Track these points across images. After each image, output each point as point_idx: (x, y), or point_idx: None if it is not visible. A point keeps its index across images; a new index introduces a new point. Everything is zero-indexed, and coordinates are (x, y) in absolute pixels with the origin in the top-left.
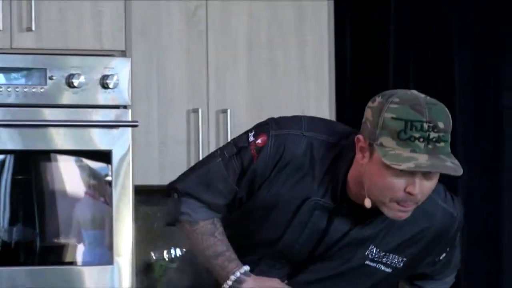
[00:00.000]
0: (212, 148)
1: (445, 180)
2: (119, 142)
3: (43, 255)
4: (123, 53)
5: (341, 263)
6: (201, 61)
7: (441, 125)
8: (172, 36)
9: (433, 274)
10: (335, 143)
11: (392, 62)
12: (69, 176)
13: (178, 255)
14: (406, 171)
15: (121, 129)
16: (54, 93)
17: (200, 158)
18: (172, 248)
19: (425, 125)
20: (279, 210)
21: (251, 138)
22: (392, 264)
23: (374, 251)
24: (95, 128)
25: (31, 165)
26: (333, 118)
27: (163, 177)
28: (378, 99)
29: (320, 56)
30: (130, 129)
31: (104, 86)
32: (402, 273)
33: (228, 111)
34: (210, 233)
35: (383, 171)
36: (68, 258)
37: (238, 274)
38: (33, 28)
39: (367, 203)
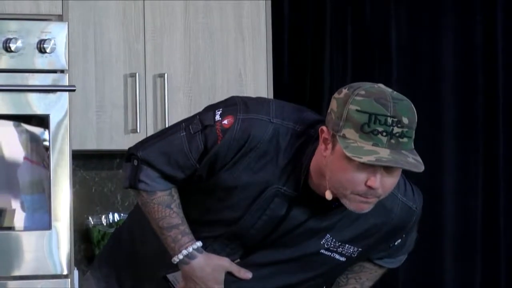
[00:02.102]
0: (150, 113)
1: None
2: (56, 107)
3: None
4: (60, 18)
5: (295, 250)
6: (138, 25)
7: (405, 120)
8: (109, 0)
9: (385, 256)
10: (301, 131)
11: (329, 24)
12: (7, 141)
13: (116, 220)
14: (367, 164)
15: (58, 93)
16: None
17: (138, 123)
18: (110, 213)
19: (389, 120)
20: (239, 194)
21: (217, 117)
22: (347, 254)
23: (330, 241)
24: (32, 92)
25: None
26: (270, 80)
27: (101, 142)
28: (344, 90)
29: (257, 18)
30: (67, 93)
31: (41, 50)
32: (355, 261)
33: (166, 75)
34: (166, 204)
35: (344, 164)
36: (6, 223)
37: (190, 249)
38: None
39: (328, 195)
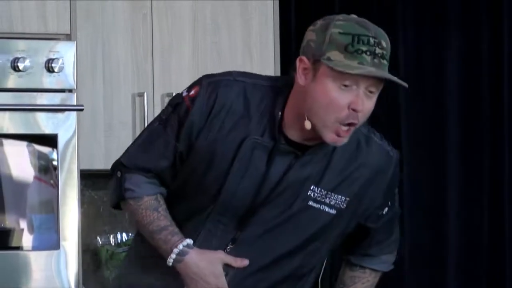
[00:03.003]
0: None
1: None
2: (64, 126)
3: None
4: (68, 37)
5: (284, 209)
6: (146, 44)
7: (384, 43)
8: (117, 19)
9: (372, 242)
10: (268, 85)
11: None
12: (15, 160)
13: (124, 239)
14: (349, 87)
15: (66, 113)
16: None
17: None
18: (118, 233)
19: (372, 40)
20: (218, 158)
21: (184, 93)
22: (336, 204)
23: (316, 191)
24: (41, 112)
25: None
26: None
27: (109, 162)
28: (320, 21)
29: (265, 37)
30: (75, 113)
31: (49, 69)
32: (346, 217)
33: (174, 94)
34: (153, 208)
35: (328, 87)
36: (14, 243)
37: (180, 246)
38: None
39: (307, 124)
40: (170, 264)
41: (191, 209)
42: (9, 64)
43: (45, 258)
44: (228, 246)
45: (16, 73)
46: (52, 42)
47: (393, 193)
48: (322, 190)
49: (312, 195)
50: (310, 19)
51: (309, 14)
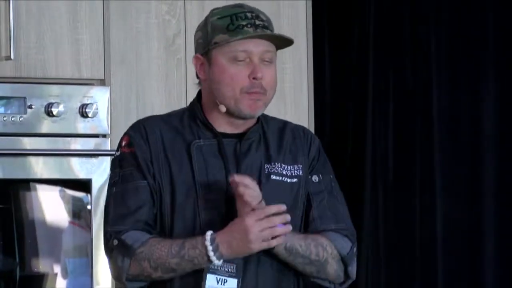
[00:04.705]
0: None
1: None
2: (98, 171)
3: (23, 285)
4: (102, 82)
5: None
6: (180, 89)
7: (262, 16)
8: (151, 64)
9: (324, 210)
10: (178, 109)
11: (371, 88)
12: (49, 205)
13: None
14: (243, 61)
15: (100, 158)
16: (33, 122)
17: None
18: None
19: (249, 14)
20: (177, 169)
21: (118, 151)
22: (293, 174)
23: (271, 167)
24: (74, 157)
25: (10, 194)
26: None
27: None
28: (202, 21)
29: (299, 82)
30: (109, 158)
31: (83, 114)
32: (305, 182)
33: None
34: (161, 239)
35: (225, 66)
36: (48, 287)
37: (208, 238)
38: (12, 57)
39: (222, 108)
40: (216, 260)
41: (185, 221)
42: (43, 109)
43: None
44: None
45: (50, 118)
46: (86, 87)
47: (321, 165)
48: (276, 164)
49: (270, 170)
50: (344, 66)
51: (344, 61)
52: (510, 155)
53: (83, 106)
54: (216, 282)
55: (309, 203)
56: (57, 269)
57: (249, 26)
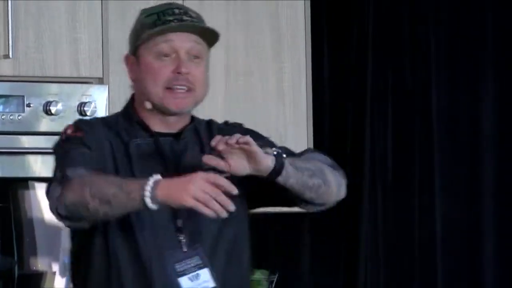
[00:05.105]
0: None
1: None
2: None
3: (21, 283)
4: (100, 80)
5: None
6: None
7: (191, 13)
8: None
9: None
10: (116, 113)
11: (370, 88)
12: (47, 204)
13: None
14: (173, 46)
15: None
16: (32, 121)
17: None
18: None
19: (176, 10)
20: (115, 165)
21: (66, 133)
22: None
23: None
24: None
25: (9, 193)
26: (311, 145)
27: None
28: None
29: (298, 81)
30: None
31: (82, 113)
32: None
33: None
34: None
35: (151, 62)
36: (47, 286)
37: (152, 177)
38: (11, 56)
39: (147, 104)
40: (148, 193)
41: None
42: (41, 108)
43: None
44: (179, 235)
45: (48, 117)
46: (84, 86)
47: (260, 139)
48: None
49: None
50: (343, 66)
51: (342, 61)
52: (509, 155)
53: (82, 105)
54: (190, 281)
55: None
56: (55, 267)
57: (175, 21)
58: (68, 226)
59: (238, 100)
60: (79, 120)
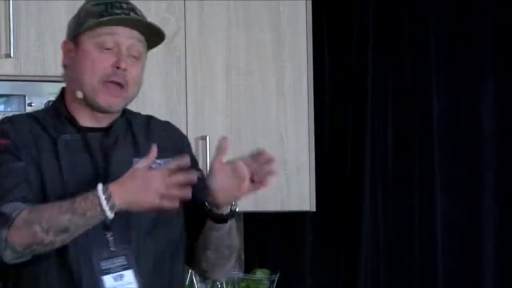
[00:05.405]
0: None
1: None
2: None
3: None
4: None
5: None
6: (179, 87)
7: (138, 12)
8: (150, 63)
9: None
10: (44, 108)
11: (370, 88)
12: None
13: None
14: (115, 41)
15: None
16: None
17: None
18: None
19: (124, 5)
20: (44, 161)
21: None
22: (164, 166)
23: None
24: None
25: None
26: (312, 144)
27: None
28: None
29: (299, 81)
30: None
31: None
32: None
33: (207, 137)
34: (49, 203)
35: (90, 51)
36: None
37: (100, 187)
38: (12, 55)
39: (79, 94)
40: (106, 207)
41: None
42: (43, 107)
43: None
44: (107, 233)
45: None
46: None
47: (194, 160)
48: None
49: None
50: (344, 64)
51: (343, 61)
52: (509, 155)
53: None
54: (114, 281)
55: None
56: None
57: (123, 15)
58: (9, 261)
59: (239, 99)
60: (1, 121)
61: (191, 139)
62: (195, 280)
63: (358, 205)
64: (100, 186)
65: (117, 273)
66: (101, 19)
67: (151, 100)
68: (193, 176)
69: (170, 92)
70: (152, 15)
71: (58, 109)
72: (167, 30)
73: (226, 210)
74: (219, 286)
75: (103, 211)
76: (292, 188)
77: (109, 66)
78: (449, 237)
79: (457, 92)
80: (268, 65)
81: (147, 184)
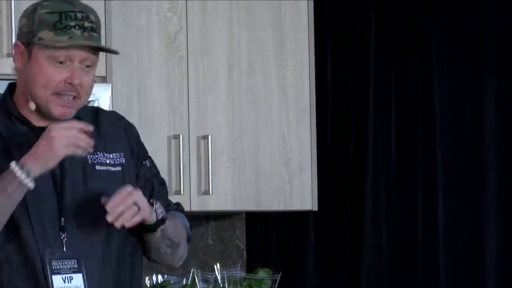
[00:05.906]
0: (193, 174)
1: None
2: None
3: None
4: (103, 79)
5: (84, 183)
6: (181, 86)
7: (92, 17)
8: (153, 61)
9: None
10: None
11: (372, 87)
12: None
13: (160, 281)
14: (65, 53)
15: None
16: None
17: (182, 184)
18: (154, 274)
19: (79, 15)
20: None
21: None
22: (116, 162)
23: (93, 157)
24: None
25: None
26: (314, 143)
27: None
28: (29, 7)
29: (301, 80)
30: None
31: None
32: (132, 173)
33: (209, 136)
34: None
35: (44, 66)
36: None
37: (13, 163)
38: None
39: (31, 106)
40: (23, 175)
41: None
42: None
43: None
44: (62, 234)
45: None
46: None
47: (143, 150)
48: (98, 154)
49: (94, 161)
50: (346, 63)
51: (345, 60)
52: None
53: None
54: (62, 281)
55: (147, 187)
56: None
57: (77, 27)
58: None
59: (241, 97)
60: None
61: (193, 138)
62: (197, 279)
63: (360, 204)
64: (13, 162)
65: (67, 275)
66: (55, 44)
67: (152, 99)
68: (89, 127)
69: (172, 91)
70: (154, 13)
71: (8, 108)
72: (168, 29)
73: (152, 221)
74: (221, 285)
75: (20, 181)
76: (295, 188)
77: (62, 81)
78: (451, 236)
79: (459, 92)
80: (270, 64)
81: (48, 141)
